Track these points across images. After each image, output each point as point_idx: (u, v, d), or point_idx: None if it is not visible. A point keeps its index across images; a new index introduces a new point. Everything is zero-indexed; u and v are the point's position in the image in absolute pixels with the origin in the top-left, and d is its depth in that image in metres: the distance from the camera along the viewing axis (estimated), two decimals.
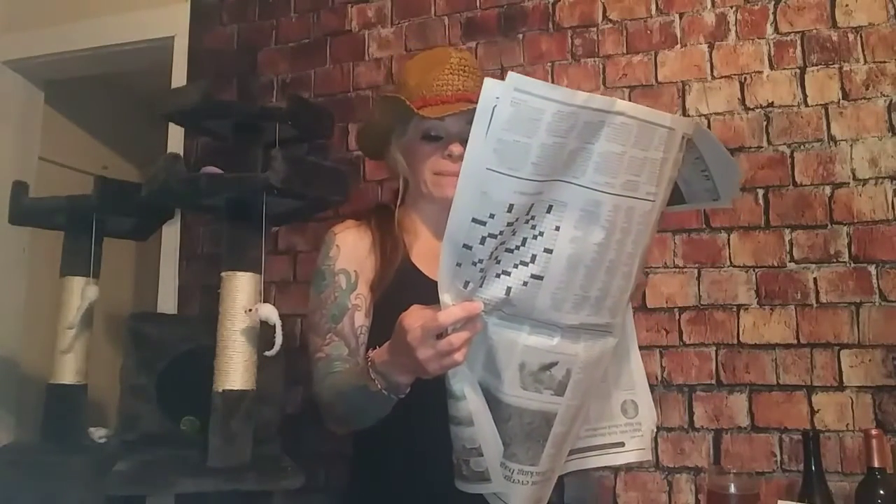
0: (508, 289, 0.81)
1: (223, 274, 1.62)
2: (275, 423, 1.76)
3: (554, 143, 0.74)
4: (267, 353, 1.53)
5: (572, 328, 0.85)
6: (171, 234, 2.27)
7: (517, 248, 0.80)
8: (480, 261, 0.78)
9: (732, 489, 1.23)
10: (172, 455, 1.62)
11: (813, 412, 1.57)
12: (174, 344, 1.81)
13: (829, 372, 1.57)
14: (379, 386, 0.93)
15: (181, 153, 2.13)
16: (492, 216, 0.76)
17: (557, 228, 0.80)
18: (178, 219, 2.24)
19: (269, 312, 1.51)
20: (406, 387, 0.94)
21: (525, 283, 0.80)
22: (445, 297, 0.81)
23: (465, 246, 0.77)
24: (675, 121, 0.84)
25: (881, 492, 1.28)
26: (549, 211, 0.79)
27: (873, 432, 1.30)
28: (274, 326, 1.51)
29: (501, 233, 0.77)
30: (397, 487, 1.11)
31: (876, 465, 1.29)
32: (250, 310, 1.54)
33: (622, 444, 1.06)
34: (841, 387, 1.56)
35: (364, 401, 0.97)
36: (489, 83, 0.72)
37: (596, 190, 0.79)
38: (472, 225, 0.76)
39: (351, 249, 1.17)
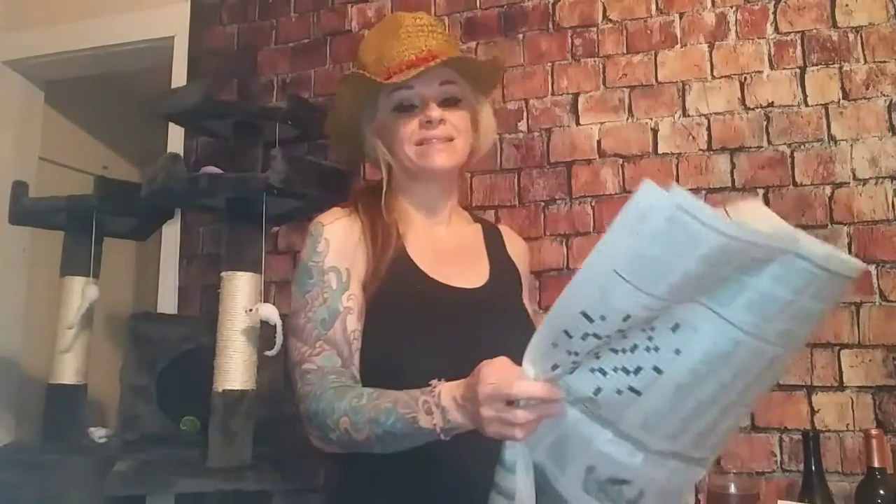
0: (598, 389, 0.71)
1: (223, 274, 1.62)
2: (275, 423, 1.76)
3: (704, 272, 0.62)
4: (267, 353, 1.54)
5: (661, 453, 0.75)
6: (171, 234, 2.27)
7: (623, 351, 0.69)
8: (576, 353, 0.69)
9: (732, 489, 1.23)
10: (172, 455, 1.62)
11: (813, 412, 1.57)
12: (174, 344, 1.81)
13: (829, 372, 1.57)
14: (434, 422, 0.83)
15: (181, 153, 2.13)
16: (603, 318, 0.65)
17: (678, 352, 0.67)
18: (178, 219, 2.24)
19: (270, 312, 1.51)
20: (458, 431, 0.83)
21: (619, 392, 0.70)
22: (528, 366, 0.73)
23: (565, 332, 0.68)
24: (857, 269, 0.68)
25: (881, 492, 1.28)
26: (674, 330, 0.67)
27: (873, 432, 1.30)
28: (274, 326, 1.51)
29: (609, 337, 0.67)
30: (393, 487, 1.03)
31: (876, 465, 1.29)
32: (251, 310, 1.54)
33: None
34: (841, 387, 1.56)
35: (405, 433, 0.87)
36: (648, 186, 0.61)
37: (740, 329, 0.66)
38: (579, 317, 0.66)
39: (342, 243, 1.06)
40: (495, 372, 0.76)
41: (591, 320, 0.66)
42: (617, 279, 0.63)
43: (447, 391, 0.83)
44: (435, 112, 1.05)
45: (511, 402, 0.74)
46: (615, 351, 0.69)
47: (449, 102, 1.07)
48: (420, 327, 1.01)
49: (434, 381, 0.85)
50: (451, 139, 1.07)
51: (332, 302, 1.02)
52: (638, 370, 0.69)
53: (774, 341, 0.68)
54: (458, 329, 0.89)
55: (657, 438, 0.73)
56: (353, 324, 1.02)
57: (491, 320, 1.03)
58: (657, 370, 0.68)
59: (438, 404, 0.83)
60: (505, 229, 1.27)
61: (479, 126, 1.14)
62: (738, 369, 0.69)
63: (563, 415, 0.74)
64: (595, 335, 0.67)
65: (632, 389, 0.70)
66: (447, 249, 1.13)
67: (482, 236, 1.21)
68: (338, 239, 1.06)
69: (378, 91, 1.05)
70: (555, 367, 0.71)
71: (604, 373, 0.70)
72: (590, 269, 0.65)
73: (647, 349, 0.68)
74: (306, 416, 0.99)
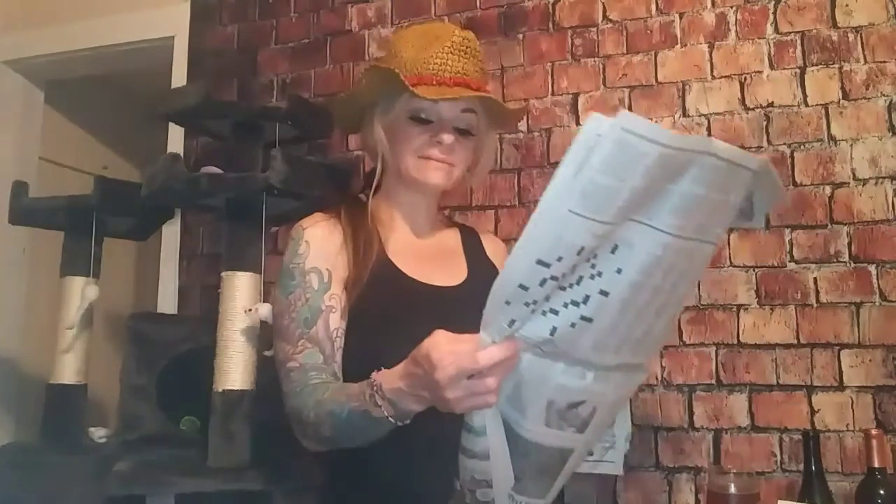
0: (554, 329, 0.73)
1: (223, 274, 1.62)
2: (275, 423, 1.75)
3: (644, 186, 0.67)
4: (267, 353, 1.53)
5: (607, 367, 0.79)
6: (171, 234, 2.27)
7: (571, 286, 0.72)
8: (534, 302, 0.71)
9: (732, 489, 1.22)
10: (172, 455, 1.62)
11: (813, 412, 1.57)
12: (174, 344, 1.81)
13: (829, 372, 1.57)
14: (385, 413, 0.85)
15: (181, 153, 2.13)
16: (559, 259, 0.68)
17: (619, 271, 0.72)
18: (178, 219, 2.24)
19: (269, 312, 1.50)
20: (415, 413, 0.85)
21: (573, 325, 0.73)
22: (485, 333, 0.74)
23: (521, 286, 0.70)
24: (761, 164, 0.76)
25: (881, 492, 1.28)
26: (613, 251, 0.71)
27: (873, 432, 1.30)
28: (271, 327, 1.50)
29: (564, 275, 0.70)
30: (382, 486, 1.05)
31: (876, 465, 1.29)
32: (250, 310, 1.54)
33: (590, 454, 1.01)
34: (841, 387, 1.56)
35: (362, 425, 0.89)
36: (595, 119, 0.65)
37: (667, 233, 0.72)
38: (535, 266, 0.69)
39: (321, 246, 1.08)
40: (448, 353, 0.75)
41: (547, 265, 0.68)
42: (571, 217, 0.66)
43: (388, 383, 0.84)
44: (449, 138, 1.07)
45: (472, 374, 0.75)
46: (563, 288, 0.71)
47: (462, 132, 1.10)
48: (400, 323, 1.02)
49: (374, 374, 0.87)
50: (451, 165, 1.10)
51: (314, 301, 1.04)
52: (587, 299, 0.72)
53: (693, 236, 0.74)
54: (438, 324, 0.89)
55: (605, 354, 0.77)
56: (336, 322, 1.04)
57: (470, 315, 1.04)
58: (603, 293, 0.72)
59: (384, 396, 0.84)
60: (483, 232, 1.31)
61: (477, 161, 1.17)
62: (666, 270, 0.74)
63: (518, 363, 0.76)
64: (553, 277, 0.69)
65: (584, 318, 0.73)
66: (426, 251, 1.16)
67: (460, 239, 1.25)
68: (318, 241, 1.08)
69: (403, 92, 1.06)
70: (512, 322, 0.73)
71: (556, 312, 0.73)
72: (542, 219, 0.67)
73: (592, 276, 0.72)
74: (289, 413, 1.01)
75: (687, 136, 0.69)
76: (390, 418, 0.85)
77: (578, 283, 0.72)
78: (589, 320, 0.73)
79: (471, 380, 0.75)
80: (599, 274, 0.72)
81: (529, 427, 0.80)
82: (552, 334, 0.73)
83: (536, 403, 0.79)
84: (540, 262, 0.68)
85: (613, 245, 0.71)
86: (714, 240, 0.78)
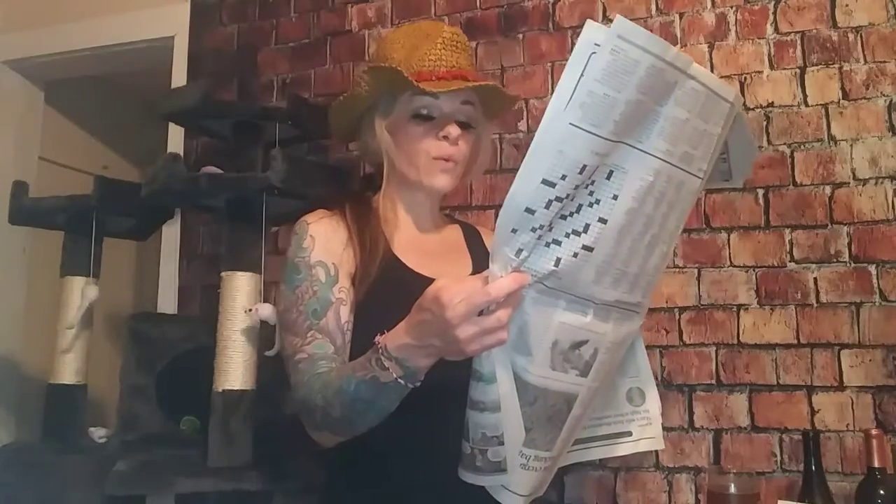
0: (558, 260, 0.74)
1: (223, 274, 1.62)
2: (275, 423, 1.76)
3: (637, 100, 0.70)
4: (267, 353, 1.54)
5: (605, 305, 0.81)
6: (171, 234, 2.27)
7: (571, 214, 0.74)
8: (541, 227, 0.72)
9: (732, 489, 1.23)
10: (172, 455, 1.62)
11: (813, 412, 1.57)
12: (174, 344, 1.81)
13: (829, 372, 1.57)
14: (394, 375, 0.84)
15: (181, 153, 2.13)
16: (563, 177, 0.70)
17: (615, 197, 0.75)
18: (178, 219, 2.24)
19: (269, 312, 1.51)
20: (424, 372, 0.84)
21: (575, 255, 0.75)
22: (495, 266, 0.74)
23: (527, 209, 0.71)
24: (736, 97, 0.80)
25: (881, 492, 1.28)
26: (608, 177, 0.74)
27: (873, 432, 1.30)
28: (274, 326, 1.51)
29: (568, 196, 0.72)
30: (384, 484, 1.04)
31: (876, 465, 1.29)
32: (250, 310, 1.54)
33: (629, 434, 1.01)
34: (841, 387, 1.56)
35: (372, 395, 0.87)
36: (592, 26, 0.66)
37: (656, 157, 0.75)
38: (540, 186, 0.70)
39: (326, 241, 1.07)
40: (456, 291, 0.75)
41: (552, 185, 0.70)
42: (571, 130, 0.68)
43: (393, 341, 0.84)
44: (455, 130, 1.07)
45: (482, 312, 0.74)
46: (564, 217, 0.74)
47: (463, 125, 1.10)
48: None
49: (377, 337, 0.87)
50: (456, 163, 1.10)
51: (322, 294, 1.03)
52: (587, 227, 0.75)
53: (679, 164, 0.78)
54: None
55: (604, 288, 0.79)
56: (346, 315, 1.03)
57: None
58: (602, 221, 0.75)
59: (390, 357, 0.84)
60: (482, 229, 1.31)
61: (476, 155, 1.17)
62: (657, 198, 0.78)
63: (521, 302, 0.77)
64: (557, 199, 0.71)
65: (585, 248, 0.75)
66: (431, 247, 1.17)
67: (462, 235, 1.25)
68: (323, 236, 1.08)
69: (402, 90, 1.06)
70: (519, 251, 0.74)
71: (558, 243, 0.75)
72: (544, 134, 0.69)
73: (590, 204, 0.75)
74: (297, 405, 1.00)
75: (673, 48, 0.72)
76: (399, 380, 0.84)
77: (578, 211, 0.74)
78: (590, 249, 0.76)
79: (481, 316, 0.74)
80: (597, 201, 0.75)
81: (535, 371, 0.81)
82: (557, 265, 0.75)
83: (541, 345, 0.80)
84: (545, 182, 0.70)
85: (609, 171, 0.74)
86: (699, 174, 0.82)
